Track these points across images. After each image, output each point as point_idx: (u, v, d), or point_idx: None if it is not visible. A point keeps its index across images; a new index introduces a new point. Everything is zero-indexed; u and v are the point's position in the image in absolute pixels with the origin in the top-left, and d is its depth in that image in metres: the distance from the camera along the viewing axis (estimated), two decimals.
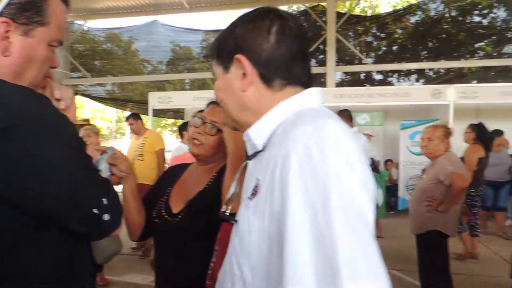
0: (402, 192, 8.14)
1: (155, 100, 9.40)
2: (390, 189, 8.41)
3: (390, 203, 8.42)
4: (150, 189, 1.71)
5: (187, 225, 1.44)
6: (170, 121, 21.29)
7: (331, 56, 10.25)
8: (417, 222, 3.14)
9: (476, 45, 10.59)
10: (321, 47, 10.95)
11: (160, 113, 12.88)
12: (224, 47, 0.90)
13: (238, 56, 0.85)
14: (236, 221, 0.92)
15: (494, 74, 10.66)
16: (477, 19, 10.37)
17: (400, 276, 4.42)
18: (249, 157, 0.93)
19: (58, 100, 1.10)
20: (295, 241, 0.67)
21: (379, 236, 5.98)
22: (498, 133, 6.33)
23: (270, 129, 0.85)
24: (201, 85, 13.05)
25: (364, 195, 0.69)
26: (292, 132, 0.76)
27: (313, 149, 0.70)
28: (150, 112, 9.46)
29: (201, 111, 1.66)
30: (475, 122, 8.82)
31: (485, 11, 10.18)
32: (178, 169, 1.71)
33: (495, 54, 10.35)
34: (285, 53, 0.85)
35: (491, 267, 4.73)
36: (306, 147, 0.71)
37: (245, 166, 1.01)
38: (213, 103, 1.58)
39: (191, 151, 1.58)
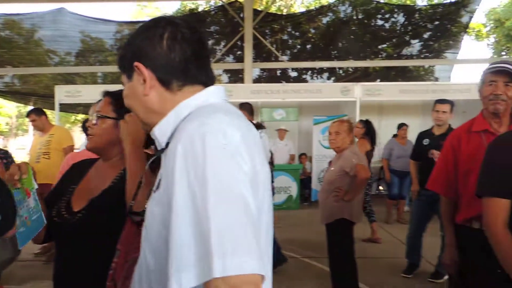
0: (315, 184, 8.58)
1: (62, 94, 8.75)
2: (304, 182, 8.82)
3: (304, 195, 8.83)
4: (52, 188, 1.60)
5: (87, 224, 1.37)
6: (81, 116, 19.94)
7: (248, 52, 10.40)
8: (326, 212, 3.33)
9: (380, 47, 11.52)
10: (239, 43, 11.07)
11: (68, 108, 12.00)
12: (125, 57, 0.97)
13: (136, 63, 0.92)
14: (138, 215, 1.00)
15: (395, 74, 11.71)
16: (380, 22, 11.26)
17: (311, 263, 4.67)
18: (159, 154, 0.98)
19: None
20: (178, 225, 0.72)
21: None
22: (402, 125, 6.91)
23: (172, 127, 0.91)
24: (115, 78, 12.42)
25: (244, 183, 0.75)
26: (183, 128, 0.83)
27: (196, 139, 0.76)
28: (57, 106, 8.78)
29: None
30: (378, 118, 9.59)
31: (387, 16, 11.09)
32: (85, 166, 1.62)
33: (395, 55, 11.36)
34: (179, 57, 0.92)
35: (391, 250, 5.18)
36: (190, 138, 0.77)
37: (153, 162, 1.05)
38: (106, 94, 1.53)
39: (87, 146, 1.54)
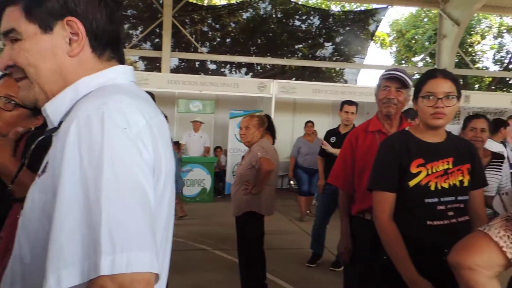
0: (229, 178, 8.67)
1: None
2: (219, 175, 8.86)
3: (218, 188, 8.87)
4: None
5: None
6: None
7: (166, 41, 10.11)
8: (236, 205, 3.39)
9: (296, 46, 11.98)
10: (158, 30, 10.71)
11: None
12: (46, 5, 0.80)
13: (71, 18, 0.79)
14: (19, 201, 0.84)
15: (309, 74, 12.28)
16: (297, 23, 11.71)
17: (221, 255, 4.73)
18: (49, 134, 0.85)
19: None
20: (63, 215, 0.63)
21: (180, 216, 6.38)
22: (307, 123, 7.15)
23: (68, 105, 0.80)
24: None
25: (141, 171, 0.69)
26: (79, 107, 0.73)
27: (93, 120, 0.68)
28: None
29: None
30: (292, 115, 9.96)
31: (304, 17, 11.57)
32: None
33: (310, 56, 11.91)
34: (116, 30, 0.85)
35: (298, 241, 5.45)
36: (87, 119, 0.68)
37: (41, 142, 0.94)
38: (7, 75, 1.39)
39: None
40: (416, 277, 1.50)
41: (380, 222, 1.65)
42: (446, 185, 1.63)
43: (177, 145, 7.10)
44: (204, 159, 8.38)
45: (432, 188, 1.62)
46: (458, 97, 1.65)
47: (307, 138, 7.08)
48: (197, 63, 12.33)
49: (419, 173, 1.63)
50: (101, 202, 0.62)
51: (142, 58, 11.92)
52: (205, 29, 11.81)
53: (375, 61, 29.51)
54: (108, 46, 0.85)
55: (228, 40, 11.96)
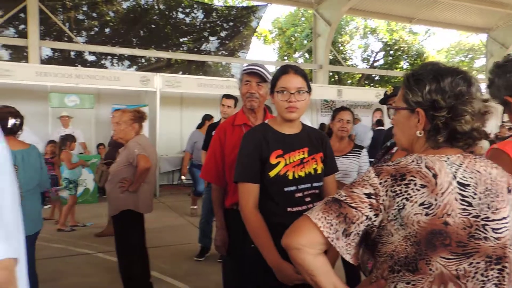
0: None
1: None
2: None
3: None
4: None
5: None
6: None
7: (33, 28, 9.10)
8: (113, 204, 3.24)
9: (181, 40, 11.82)
10: (23, 15, 9.57)
11: None
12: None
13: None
14: None
15: (195, 68, 12.25)
16: (181, 16, 11.55)
17: (105, 258, 4.50)
18: None
19: None
20: None
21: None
22: (209, 117, 6.72)
23: None
24: None
25: None
26: None
27: None
28: None
29: None
30: (179, 109, 9.81)
31: (187, 10, 11.46)
32: None
33: (195, 49, 11.87)
34: None
35: (187, 236, 5.38)
36: None
37: None
38: None
39: None
40: (280, 261, 1.58)
41: (245, 212, 1.73)
42: (302, 174, 1.78)
43: (55, 143, 6.37)
44: (85, 157, 7.80)
45: (290, 177, 1.75)
46: (308, 91, 1.79)
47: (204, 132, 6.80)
48: (73, 54, 11.36)
49: (278, 163, 1.75)
50: None
51: (5, 47, 10.55)
52: (80, 17, 10.93)
53: (260, 56, 30.70)
54: None
55: (107, 30, 11.25)
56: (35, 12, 9.06)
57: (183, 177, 9.57)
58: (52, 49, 10.89)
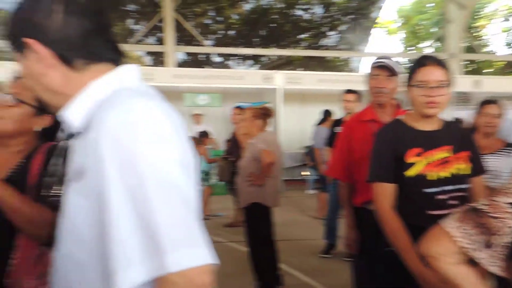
0: None
1: None
2: None
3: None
4: None
5: None
6: None
7: (169, 35, 10.12)
8: (242, 197, 3.46)
9: (300, 36, 11.92)
10: (161, 25, 10.74)
11: None
12: (13, 33, 0.85)
13: (27, 40, 0.81)
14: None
15: (315, 63, 12.23)
16: (300, 12, 11.64)
17: (236, 247, 4.78)
18: (67, 138, 0.90)
19: None
20: (116, 222, 0.69)
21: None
22: (330, 113, 6.57)
23: (85, 111, 0.82)
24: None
25: (180, 172, 0.74)
26: (102, 117, 0.75)
27: (122, 133, 0.71)
28: None
29: None
30: (300, 106, 9.88)
31: (305, 7, 11.50)
32: None
33: (314, 45, 11.85)
34: (78, 31, 0.82)
35: (310, 232, 5.41)
36: (115, 131, 0.72)
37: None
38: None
39: None
40: (423, 268, 1.47)
41: (382, 213, 1.67)
42: (446, 174, 1.63)
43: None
44: (215, 152, 8.39)
45: (431, 177, 1.62)
46: (450, 84, 1.62)
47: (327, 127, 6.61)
48: (202, 56, 12.34)
49: (416, 162, 1.63)
50: (150, 205, 0.69)
51: (149, 53, 11.98)
52: (208, 21, 11.81)
53: (382, 48, 29.17)
54: (76, 54, 0.83)
55: (231, 32, 11.94)
56: (170, 21, 10.06)
57: (304, 173, 9.66)
58: (187, 53, 11.96)
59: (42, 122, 1.40)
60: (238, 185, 3.53)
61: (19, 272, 1.25)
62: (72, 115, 0.83)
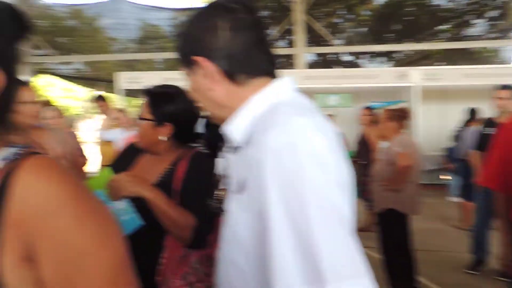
0: None
1: (124, 80, 9.28)
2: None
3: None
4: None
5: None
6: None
7: (299, 37, 10.31)
8: (377, 202, 3.36)
9: (438, 28, 10.92)
10: (291, 28, 11.00)
11: (130, 93, 12.67)
12: (183, 51, 0.92)
13: (196, 57, 0.87)
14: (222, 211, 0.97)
15: (457, 57, 11.08)
16: (437, 2, 10.66)
17: (366, 253, 4.64)
18: (229, 151, 0.95)
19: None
20: (278, 246, 0.71)
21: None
22: (476, 111, 6.09)
23: (246, 125, 0.86)
24: (172, 64, 12.87)
25: (338, 193, 0.73)
26: (264, 136, 0.78)
27: (284, 155, 0.73)
28: (118, 92, 9.35)
29: None
30: (439, 104, 9.12)
31: None
32: (133, 152, 1.68)
33: (456, 37, 10.73)
34: (241, 46, 0.86)
35: (452, 243, 4.99)
36: (277, 153, 0.74)
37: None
38: (145, 94, 1.61)
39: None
40: None
41: None
42: None
43: None
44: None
45: None
46: None
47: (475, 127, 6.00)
48: (332, 56, 12.27)
49: None
50: (312, 231, 0.69)
51: (278, 56, 12.39)
52: (338, 20, 11.67)
53: None
54: (240, 69, 0.87)
55: (362, 29, 11.59)
56: (300, 23, 10.23)
57: (443, 177, 8.84)
58: (317, 54, 12.04)
59: (164, 131, 1.55)
60: (372, 189, 3.45)
61: (167, 271, 1.39)
62: (233, 130, 0.89)
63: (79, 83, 14.13)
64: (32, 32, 0.69)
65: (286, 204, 0.71)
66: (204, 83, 0.89)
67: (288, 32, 11.29)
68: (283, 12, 10.96)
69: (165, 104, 1.54)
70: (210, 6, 0.89)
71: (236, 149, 0.91)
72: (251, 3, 0.90)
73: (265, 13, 11.78)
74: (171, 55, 11.91)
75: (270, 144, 0.75)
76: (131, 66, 12.98)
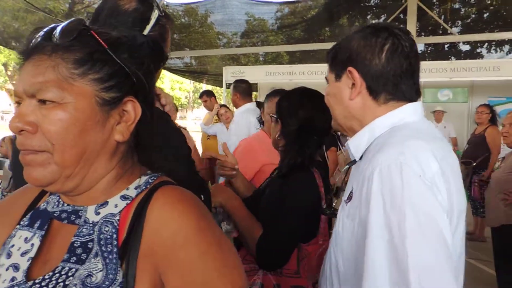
0: None
1: (229, 74, 9.69)
2: None
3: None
4: None
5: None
6: None
7: (411, 26, 9.60)
8: (492, 214, 2.99)
9: None
10: (401, 16, 10.30)
11: None
12: (339, 57, 1.00)
13: (350, 68, 0.95)
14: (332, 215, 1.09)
15: None
16: None
17: (473, 265, 4.25)
18: (350, 163, 1.04)
19: (163, 105, 1.18)
20: (372, 251, 0.77)
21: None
22: None
23: (366, 143, 0.95)
24: (275, 57, 13.07)
25: (438, 213, 0.76)
26: (379, 153, 0.85)
27: (393, 170, 0.78)
28: (224, 85, 9.79)
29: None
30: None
31: None
32: None
33: None
34: (394, 70, 0.92)
35: None
36: (388, 168, 0.80)
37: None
38: (276, 94, 1.64)
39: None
40: None
41: None
42: None
43: None
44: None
45: None
46: None
47: None
48: (446, 46, 11.22)
49: None
50: (407, 246, 0.72)
51: None
52: (457, 6, 10.57)
53: None
54: (385, 89, 0.93)
55: (486, 15, 10.34)
56: (414, 10, 9.53)
57: None
58: (425, 44, 11.15)
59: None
60: (488, 200, 3.08)
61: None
62: (354, 146, 0.97)
63: (187, 77, 15.18)
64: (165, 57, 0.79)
65: (386, 217, 0.76)
66: (346, 91, 0.97)
67: (399, 20, 10.61)
68: (394, 0, 10.32)
69: (300, 108, 1.55)
70: (376, 27, 0.97)
71: (353, 162, 0.99)
72: (409, 32, 0.97)
73: (375, 1, 11.23)
74: (272, 48, 12.18)
75: (381, 161, 0.82)
76: (237, 59, 13.53)
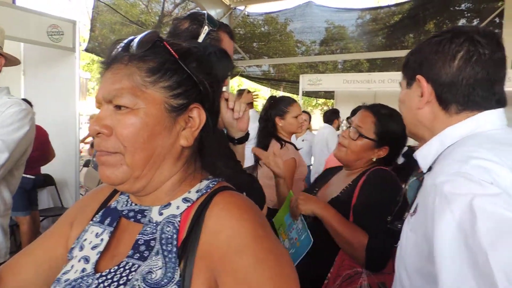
0: None
1: (306, 82, 9.67)
2: None
3: None
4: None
5: (311, 228, 1.49)
6: (321, 100, 21.50)
7: (509, 30, 8.78)
8: None
9: None
10: (497, 20, 9.47)
11: (311, 93, 13.13)
12: (410, 65, 0.97)
13: (419, 76, 0.91)
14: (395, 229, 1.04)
15: None
16: None
17: None
18: (417, 175, 0.99)
19: (231, 109, 1.16)
20: (448, 264, 0.69)
21: None
22: None
23: (434, 154, 0.89)
24: (354, 65, 12.77)
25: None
26: (444, 164, 0.80)
27: (458, 182, 0.73)
28: (300, 93, 9.79)
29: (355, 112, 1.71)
30: None
31: None
32: (332, 171, 1.78)
33: None
34: (467, 80, 0.85)
35: None
36: (452, 177, 0.74)
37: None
38: (364, 108, 1.60)
39: (335, 153, 1.62)
40: None
41: None
42: None
43: None
44: None
45: None
46: None
47: None
48: None
49: None
50: (485, 248, 0.65)
51: None
52: None
53: None
54: (455, 100, 0.87)
55: None
56: (511, 14, 8.72)
57: None
58: None
59: (379, 153, 1.54)
60: None
61: (330, 287, 1.39)
62: (422, 157, 0.92)
63: (265, 84, 15.44)
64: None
65: (458, 224, 0.69)
66: (416, 100, 0.93)
67: (494, 24, 9.78)
68: (489, 4, 9.54)
69: (390, 125, 1.54)
70: (454, 32, 0.90)
71: (421, 174, 0.94)
72: (500, 39, 0.87)
73: (467, 5, 10.48)
74: (351, 56, 11.91)
75: (446, 171, 0.77)
76: (315, 67, 13.46)
